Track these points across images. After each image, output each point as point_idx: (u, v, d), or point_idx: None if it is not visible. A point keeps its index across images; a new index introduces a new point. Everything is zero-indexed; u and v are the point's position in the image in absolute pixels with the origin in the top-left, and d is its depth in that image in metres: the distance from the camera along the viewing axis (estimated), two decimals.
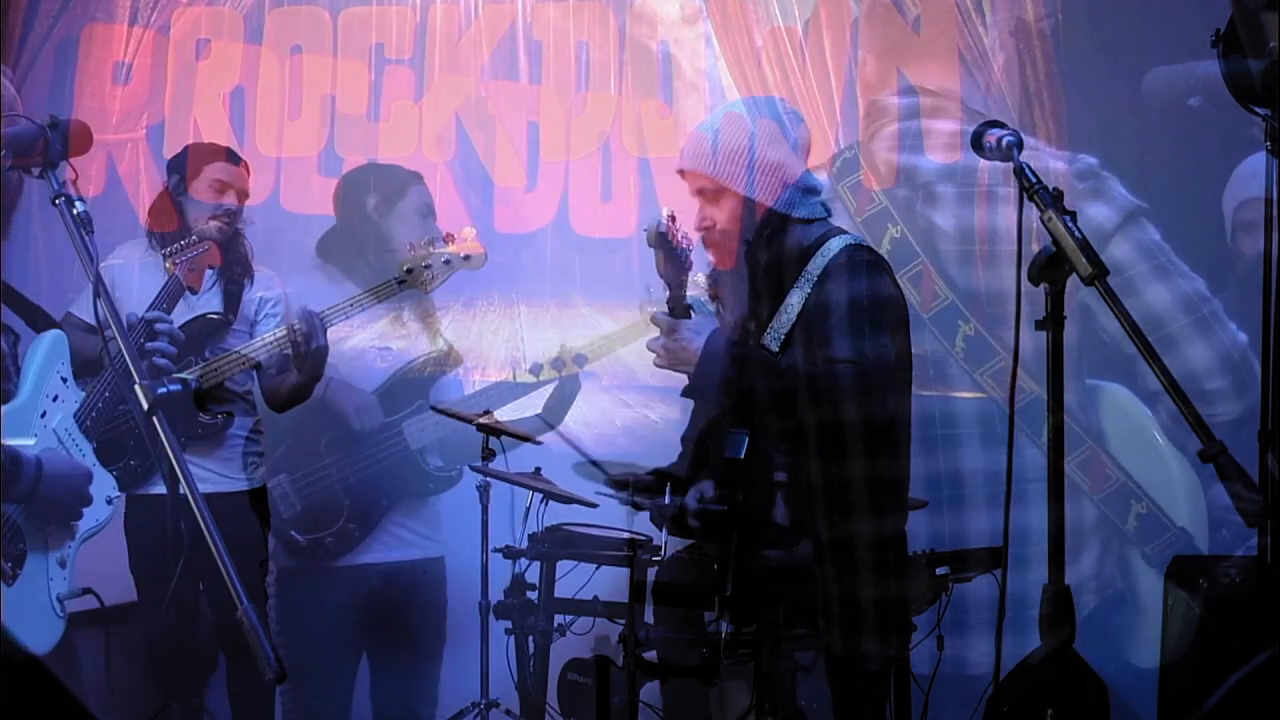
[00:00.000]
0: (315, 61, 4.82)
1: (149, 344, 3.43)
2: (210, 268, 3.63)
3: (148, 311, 3.54)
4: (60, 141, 2.69)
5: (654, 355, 3.06)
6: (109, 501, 3.03)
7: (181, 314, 3.77)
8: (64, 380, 3.01)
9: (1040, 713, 2.26)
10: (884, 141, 4.37)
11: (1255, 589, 3.03)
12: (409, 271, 3.90)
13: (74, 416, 3.02)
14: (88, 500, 2.95)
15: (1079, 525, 3.90)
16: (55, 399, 2.97)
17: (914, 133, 4.31)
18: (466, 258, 3.99)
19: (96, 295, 2.50)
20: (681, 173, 3.32)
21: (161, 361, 3.36)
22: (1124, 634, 4.19)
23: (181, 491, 2.32)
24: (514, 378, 4.49)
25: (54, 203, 2.65)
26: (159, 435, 2.35)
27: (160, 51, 4.85)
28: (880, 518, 2.92)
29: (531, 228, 4.72)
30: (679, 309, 3.02)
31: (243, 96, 4.82)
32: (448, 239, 3.98)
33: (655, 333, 3.12)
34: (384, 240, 4.27)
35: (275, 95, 4.81)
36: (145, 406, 2.36)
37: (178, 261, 3.55)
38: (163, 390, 2.37)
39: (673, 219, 3.01)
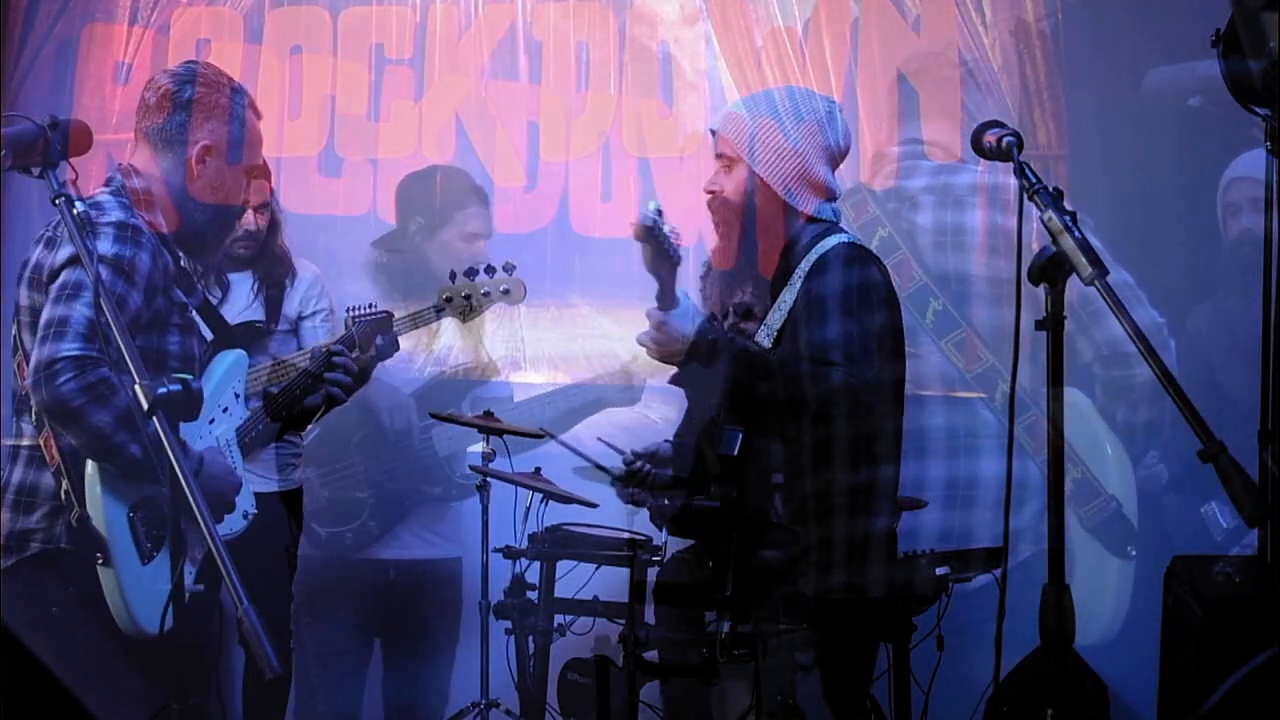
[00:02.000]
0: (315, 61, 4.82)
1: (328, 374, 3.45)
2: (380, 334, 3.63)
3: (331, 344, 3.57)
4: (60, 141, 2.70)
5: (645, 349, 3.04)
6: (245, 516, 3.13)
7: (229, 318, 3.81)
8: (236, 396, 3.17)
9: (1040, 713, 2.26)
10: (883, 175, 4.53)
11: (1255, 589, 3.03)
12: (448, 300, 3.87)
13: (236, 430, 3.15)
14: (232, 507, 3.06)
15: (1024, 480, 4.13)
16: (225, 410, 3.13)
17: (907, 167, 4.50)
18: (506, 292, 3.95)
19: (97, 295, 2.50)
20: (714, 131, 3.31)
21: (336, 392, 3.41)
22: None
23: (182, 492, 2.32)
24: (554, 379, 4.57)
25: (54, 203, 2.65)
26: (160, 435, 2.35)
27: (160, 51, 4.85)
28: (854, 470, 3.00)
29: (531, 228, 4.72)
30: (667, 301, 2.99)
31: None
32: (489, 270, 3.93)
33: None
34: (423, 261, 4.29)
35: (275, 95, 4.81)
36: (145, 407, 2.36)
37: (355, 319, 3.60)
38: (163, 390, 2.37)
39: (659, 212, 3.01)
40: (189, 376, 2.53)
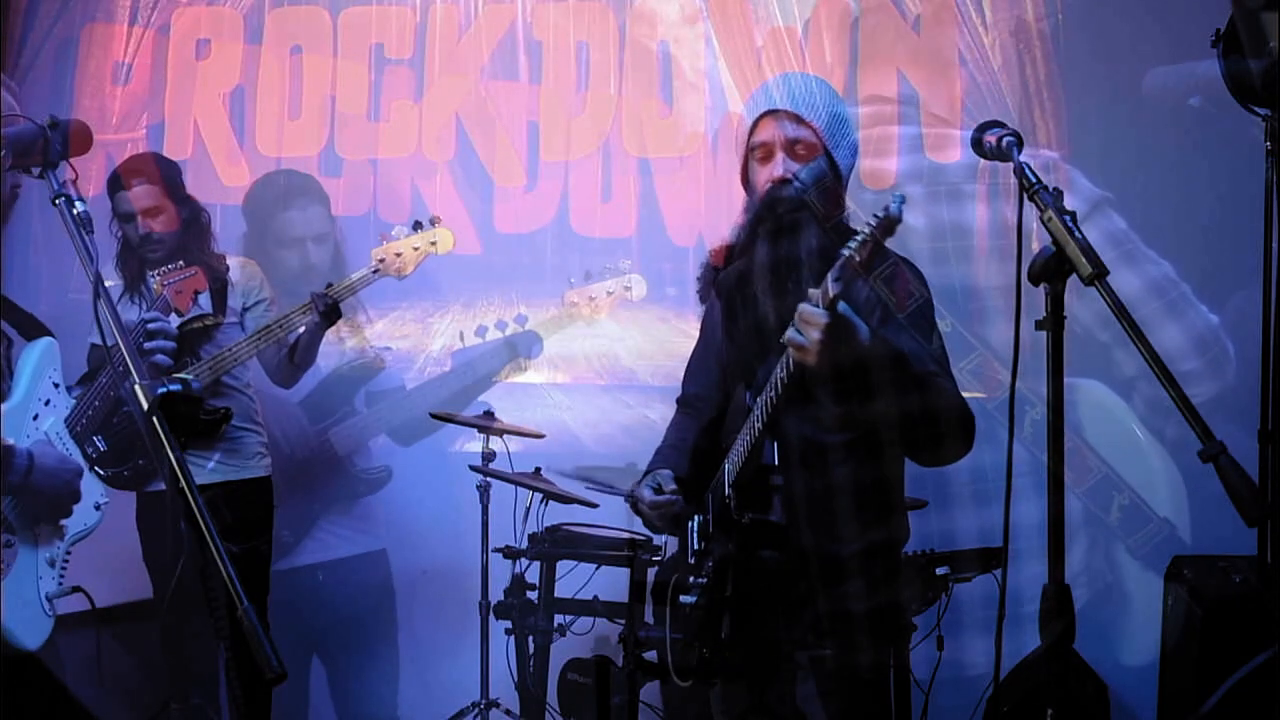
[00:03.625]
0: (315, 61, 4.82)
1: (147, 344, 3.49)
2: (197, 292, 3.67)
3: (144, 314, 3.61)
4: (60, 141, 2.69)
5: (800, 352, 2.43)
6: (97, 507, 3.03)
7: (174, 320, 3.83)
8: (55, 386, 3.04)
9: (1040, 713, 2.25)
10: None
11: (1255, 589, 3.03)
12: (381, 261, 3.95)
13: (65, 421, 3.04)
14: (78, 496, 2.95)
15: (1066, 519, 3.90)
16: (47, 403, 3.00)
17: (875, 139, 4.31)
18: (433, 243, 4.03)
19: (96, 296, 2.50)
20: (764, 117, 2.74)
21: (161, 359, 3.41)
22: (1115, 630, 4.22)
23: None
24: (462, 342, 4.59)
25: (54, 203, 2.64)
26: (158, 435, 2.35)
27: (160, 51, 4.85)
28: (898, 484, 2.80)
29: (531, 228, 4.72)
30: (833, 300, 2.38)
31: (243, 96, 4.83)
32: (416, 226, 4.01)
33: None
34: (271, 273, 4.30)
35: (275, 95, 4.82)
36: (145, 406, 2.36)
37: (165, 283, 3.61)
38: (162, 390, 2.37)
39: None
40: (188, 377, 2.52)
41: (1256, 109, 2.87)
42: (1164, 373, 2.10)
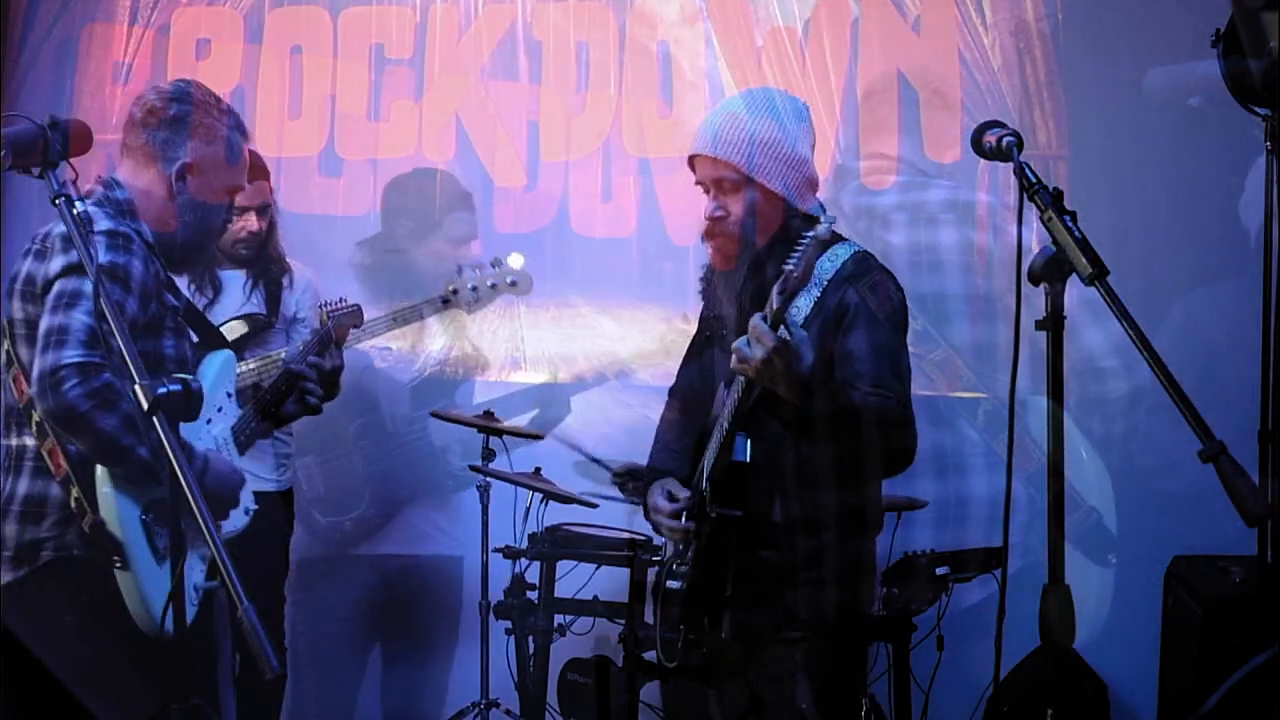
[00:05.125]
0: (315, 61, 4.82)
1: (306, 384, 3.47)
2: (355, 327, 3.68)
3: (306, 351, 3.56)
4: (60, 141, 2.70)
5: (743, 366, 2.71)
6: (247, 512, 3.16)
7: (223, 315, 3.84)
8: (228, 395, 3.20)
9: (1040, 713, 2.26)
10: (849, 194, 4.56)
11: (1255, 589, 3.03)
12: (454, 292, 3.92)
13: (231, 429, 3.17)
14: (238, 503, 3.09)
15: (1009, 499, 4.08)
16: (219, 410, 3.15)
17: (874, 183, 4.52)
18: (512, 283, 4.00)
19: (96, 295, 2.50)
20: (694, 158, 3.07)
21: (312, 400, 3.40)
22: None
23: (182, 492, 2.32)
24: (555, 378, 4.58)
25: (54, 203, 2.65)
26: (160, 435, 2.35)
27: (160, 51, 4.85)
28: (870, 485, 3.00)
29: (531, 228, 4.72)
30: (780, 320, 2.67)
31: (243, 96, 4.82)
32: (495, 264, 3.98)
33: None
34: (411, 266, 4.30)
35: (275, 95, 4.81)
36: (145, 406, 2.36)
37: (330, 314, 3.61)
38: (163, 390, 2.37)
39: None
40: (189, 376, 2.53)
41: (1256, 109, 2.87)
42: (1164, 374, 2.10)
